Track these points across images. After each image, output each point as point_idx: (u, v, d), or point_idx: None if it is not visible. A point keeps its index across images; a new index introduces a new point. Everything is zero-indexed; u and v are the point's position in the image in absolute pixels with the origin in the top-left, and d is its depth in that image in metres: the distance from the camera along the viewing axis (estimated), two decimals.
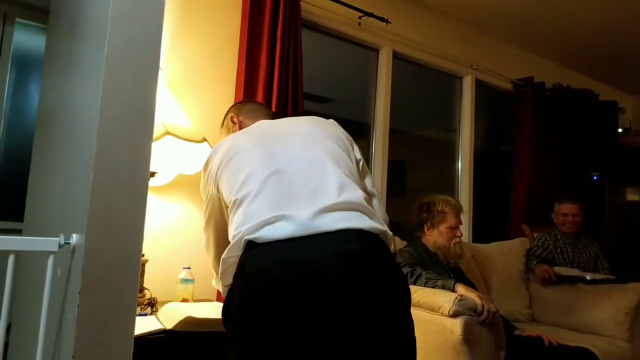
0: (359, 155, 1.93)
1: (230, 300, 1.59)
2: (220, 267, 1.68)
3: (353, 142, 1.97)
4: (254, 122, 2.08)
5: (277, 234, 1.51)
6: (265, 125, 1.97)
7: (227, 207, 1.78)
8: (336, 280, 1.44)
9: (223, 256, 1.64)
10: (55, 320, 1.55)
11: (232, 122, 2.24)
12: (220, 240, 2.00)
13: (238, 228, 1.59)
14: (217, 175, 1.83)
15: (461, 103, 4.83)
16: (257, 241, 1.53)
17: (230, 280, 1.62)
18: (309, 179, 1.66)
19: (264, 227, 1.54)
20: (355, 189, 1.66)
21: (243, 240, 1.56)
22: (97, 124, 1.36)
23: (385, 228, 1.63)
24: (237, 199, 1.67)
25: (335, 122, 2.01)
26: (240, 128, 2.17)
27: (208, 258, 2.13)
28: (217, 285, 2.24)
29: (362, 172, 1.91)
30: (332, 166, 1.70)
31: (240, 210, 1.64)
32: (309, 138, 1.82)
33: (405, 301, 1.57)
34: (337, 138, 1.87)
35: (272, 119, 2.17)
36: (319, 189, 1.63)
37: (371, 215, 1.63)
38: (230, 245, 1.61)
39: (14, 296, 1.50)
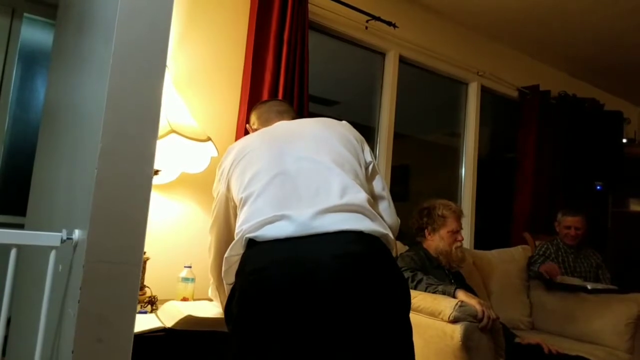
0: (369, 158, 1.94)
1: (231, 298, 1.61)
2: (223, 265, 1.70)
3: (365, 143, 1.98)
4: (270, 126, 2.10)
5: (277, 233, 1.54)
6: (279, 127, 1.99)
7: (236, 207, 1.80)
8: (332, 281, 1.46)
9: (226, 255, 1.67)
10: (56, 316, 1.55)
11: (250, 131, 2.29)
12: (220, 243, 2.03)
13: (240, 226, 1.63)
14: (228, 174, 1.86)
15: (466, 109, 4.83)
16: (257, 239, 1.56)
17: (232, 279, 1.64)
18: (313, 180, 1.67)
19: (265, 226, 1.57)
20: (358, 191, 1.67)
21: (244, 239, 1.59)
22: (102, 120, 1.36)
23: (386, 231, 1.64)
24: (242, 197, 1.70)
25: (347, 124, 2.02)
26: None
27: (208, 261, 2.15)
28: (212, 294, 2.28)
29: (372, 174, 1.92)
30: (336, 168, 1.71)
31: (245, 209, 1.67)
32: (317, 140, 1.83)
33: (404, 304, 1.58)
34: (345, 140, 1.88)
35: (288, 115, 2.20)
36: (321, 190, 1.64)
37: (373, 218, 1.64)
38: (233, 243, 1.64)
39: (15, 290, 1.50)
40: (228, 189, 1.89)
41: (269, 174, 1.70)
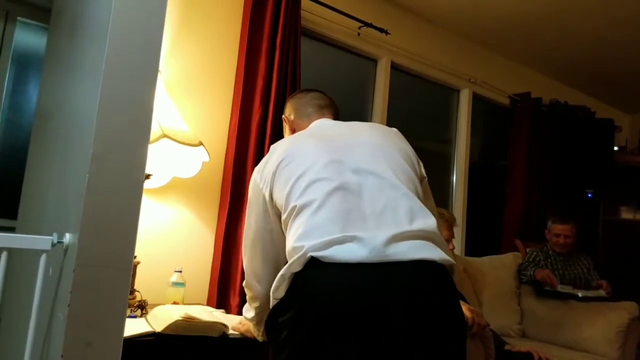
0: (424, 173, 1.83)
1: (280, 314, 1.52)
2: (275, 282, 1.55)
3: (418, 157, 1.84)
4: (308, 122, 1.99)
5: (348, 257, 1.43)
6: (327, 129, 1.87)
7: (279, 213, 1.68)
8: (407, 315, 1.39)
9: (282, 272, 1.53)
10: (45, 319, 1.55)
11: (284, 122, 2.13)
12: (269, 263, 1.83)
13: (300, 241, 1.50)
14: (273, 177, 1.70)
15: (458, 116, 4.85)
16: (323, 260, 1.44)
17: (282, 294, 1.54)
18: (377, 198, 1.56)
19: (333, 247, 1.44)
20: (427, 215, 1.57)
21: (307, 257, 1.46)
22: (94, 124, 1.36)
23: (452, 259, 1.55)
24: (296, 205, 1.57)
25: (399, 133, 1.90)
26: (292, 129, 2.06)
27: (250, 279, 1.91)
28: (248, 313, 2.04)
29: (425, 191, 1.80)
30: (402, 187, 1.60)
31: (301, 220, 1.55)
32: (375, 150, 1.71)
33: (464, 342, 1.52)
34: (404, 153, 1.76)
35: (328, 110, 2.05)
36: (388, 211, 1.53)
37: (441, 245, 1.55)
38: (292, 260, 1.50)
39: (5, 293, 1.49)
40: (271, 195, 1.71)
41: (328, 185, 1.56)
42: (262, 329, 1.99)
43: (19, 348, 1.67)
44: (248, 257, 1.89)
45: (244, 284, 1.96)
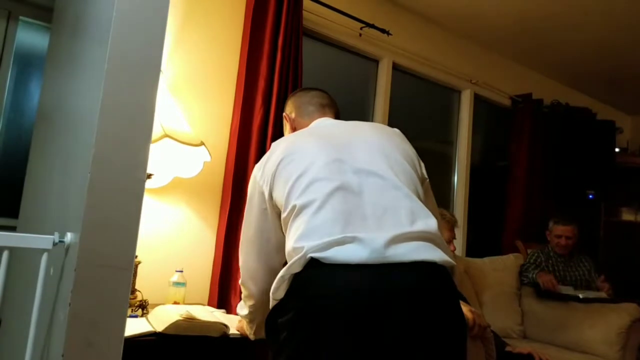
0: (425, 174, 1.82)
1: (279, 315, 1.51)
2: (274, 283, 1.55)
3: (419, 157, 1.83)
4: (309, 120, 1.98)
5: (348, 258, 1.42)
6: (327, 128, 1.86)
7: (279, 212, 1.67)
8: (407, 317, 1.38)
9: (282, 273, 1.52)
10: (46, 319, 1.55)
11: (285, 119, 2.12)
12: (264, 263, 1.83)
13: (300, 242, 1.49)
14: (273, 176, 1.69)
15: (459, 116, 4.84)
16: (323, 261, 1.43)
17: (282, 295, 1.53)
18: (378, 198, 1.55)
19: (333, 247, 1.44)
20: (428, 216, 1.56)
21: (307, 258, 1.45)
22: (96, 124, 1.36)
23: (453, 260, 1.54)
24: (296, 205, 1.56)
25: (401, 133, 1.89)
26: (293, 127, 2.06)
27: (245, 278, 1.90)
28: (241, 310, 2.05)
29: (426, 192, 1.79)
30: (403, 187, 1.59)
31: (301, 220, 1.54)
32: (377, 150, 1.70)
33: (464, 343, 1.51)
34: (405, 153, 1.75)
35: (330, 109, 2.04)
36: (389, 211, 1.52)
37: (442, 247, 1.54)
38: (292, 261, 1.49)
39: (6, 292, 1.49)
40: (270, 193, 1.70)
41: (329, 185, 1.55)
42: (254, 327, 2.01)
43: (20, 347, 1.67)
44: (244, 255, 1.89)
45: (240, 281, 1.96)
